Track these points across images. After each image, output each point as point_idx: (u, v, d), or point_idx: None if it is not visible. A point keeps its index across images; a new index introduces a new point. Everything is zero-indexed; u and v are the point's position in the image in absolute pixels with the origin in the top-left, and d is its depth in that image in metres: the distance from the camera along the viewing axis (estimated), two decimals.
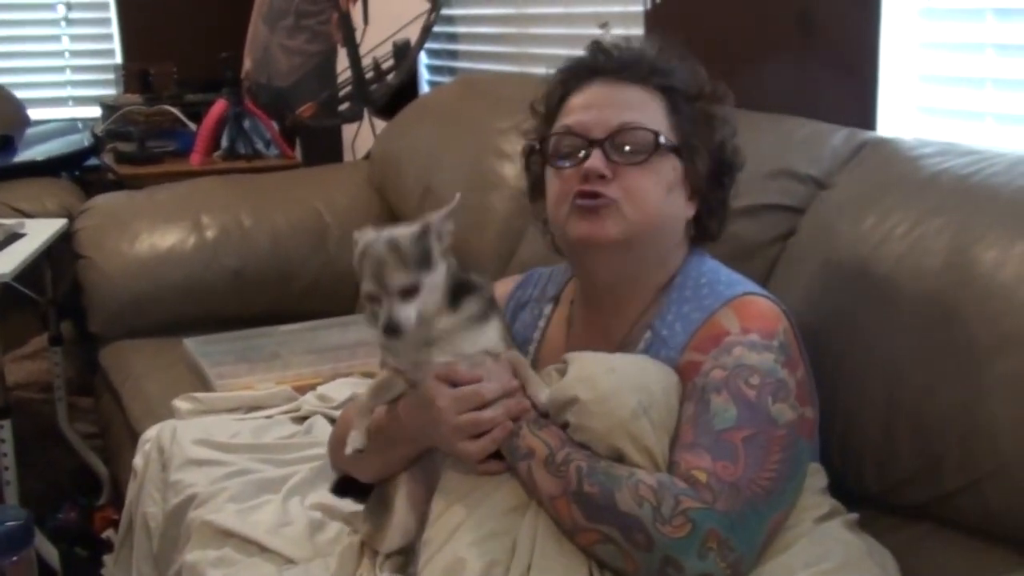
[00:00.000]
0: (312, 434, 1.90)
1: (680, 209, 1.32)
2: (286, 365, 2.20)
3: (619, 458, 1.16)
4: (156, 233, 2.56)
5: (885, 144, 1.58)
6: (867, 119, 1.76)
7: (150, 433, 2.00)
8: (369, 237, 1.27)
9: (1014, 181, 1.30)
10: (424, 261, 1.23)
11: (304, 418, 1.98)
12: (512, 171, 2.26)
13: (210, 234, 2.57)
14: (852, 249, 1.41)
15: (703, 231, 1.37)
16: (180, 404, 2.04)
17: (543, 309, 1.48)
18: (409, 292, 1.21)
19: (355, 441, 1.33)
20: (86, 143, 3.16)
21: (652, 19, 2.19)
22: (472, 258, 2.29)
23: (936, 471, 1.24)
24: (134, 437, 2.14)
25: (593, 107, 1.31)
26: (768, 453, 1.14)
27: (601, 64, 1.35)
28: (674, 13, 2.12)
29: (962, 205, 1.32)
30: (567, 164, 1.30)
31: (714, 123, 1.34)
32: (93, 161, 3.26)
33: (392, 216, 2.69)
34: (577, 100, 1.33)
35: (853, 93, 1.78)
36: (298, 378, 2.14)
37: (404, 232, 1.25)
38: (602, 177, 1.26)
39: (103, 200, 2.71)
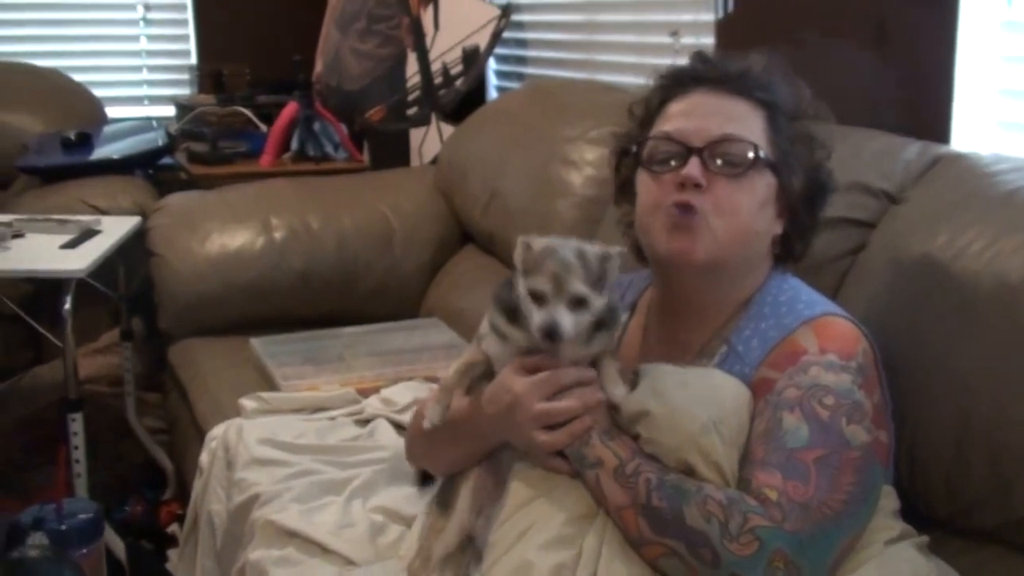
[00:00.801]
0: (375, 437, 1.91)
1: (769, 225, 1.31)
2: (350, 367, 2.22)
3: (689, 472, 1.15)
4: (226, 233, 2.60)
5: (960, 159, 1.54)
6: (942, 132, 1.73)
7: (216, 431, 2.03)
8: (553, 241, 1.27)
9: None
10: (600, 283, 1.24)
11: (367, 421, 2.00)
12: (578, 179, 2.27)
13: (278, 235, 2.61)
14: (925, 265, 1.38)
15: (788, 250, 1.35)
16: (246, 403, 2.07)
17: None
18: (580, 303, 1.22)
19: (434, 415, 1.35)
20: (160, 142, 3.22)
21: (724, 29, 2.17)
22: None
23: (1007, 494, 1.21)
24: (201, 434, 2.17)
25: (694, 115, 1.30)
26: (841, 475, 1.13)
27: (704, 73, 1.34)
28: (746, 23, 2.10)
29: None
30: (663, 169, 1.29)
31: (813, 144, 1.33)
32: (167, 160, 3.32)
33: (458, 221, 2.71)
34: (677, 107, 1.33)
35: (928, 106, 1.75)
36: (362, 380, 2.15)
37: (592, 249, 1.26)
38: (697, 186, 1.25)
39: (176, 199, 2.75)
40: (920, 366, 1.34)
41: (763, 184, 1.28)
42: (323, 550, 1.58)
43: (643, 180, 1.33)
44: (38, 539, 1.44)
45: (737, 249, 1.28)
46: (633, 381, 1.26)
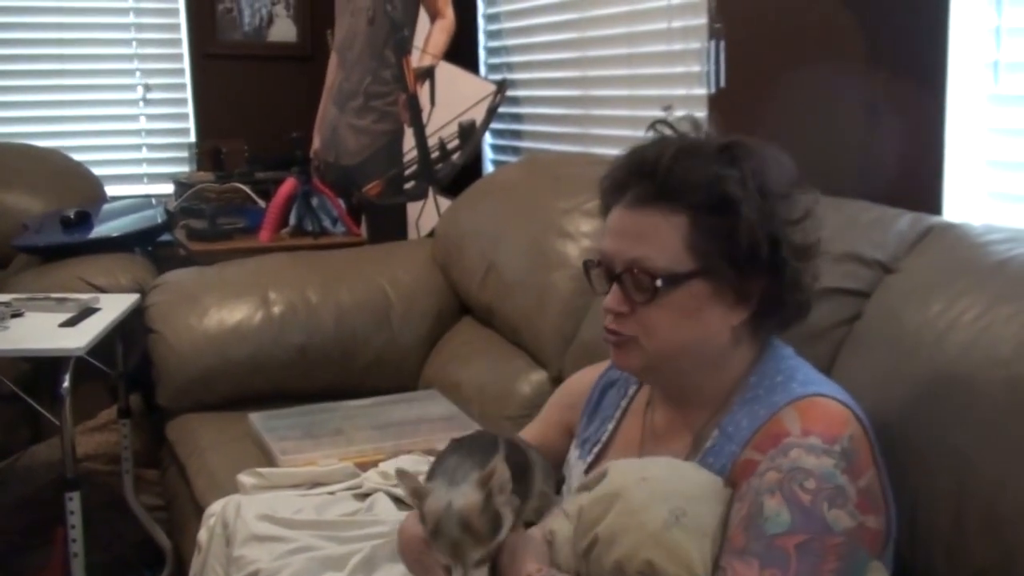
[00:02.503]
0: (374, 511, 1.90)
1: (713, 326, 1.28)
2: (349, 441, 2.21)
3: (652, 571, 1.14)
4: (224, 308, 2.62)
5: (952, 229, 1.56)
6: (934, 204, 1.75)
7: (214, 507, 2.02)
8: (437, 510, 1.28)
9: None
10: (495, 527, 1.27)
11: (366, 495, 1.99)
12: (574, 250, 2.29)
13: (277, 310, 2.62)
14: (919, 335, 1.39)
15: (781, 321, 1.34)
16: (244, 479, 2.06)
17: (628, 389, 1.50)
18: (484, 561, 1.26)
19: None
20: (159, 219, 3.25)
21: (716, 103, 2.21)
22: (534, 336, 2.32)
23: (1009, 565, 1.21)
24: (199, 511, 2.16)
25: (615, 234, 1.30)
26: (823, 561, 1.11)
27: (633, 183, 1.30)
28: (738, 97, 2.14)
29: None
30: (599, 291, 1.33)
31: (738, 227, 1.25)
32: (166, 237, 3.35)
33: (455, 294, 2.72)
34: (609, 221, 1.33)
35: (919, 178, 1.78)
36: (361, 454, 2.15)
37: (471, 504, 1.27)
38: (621, 313, 1.28)
39: (174, 276, 2.77)
40: (918, 438, 1.34)
41: (686, 296, 1.26)
42: None
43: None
44: None
45: (677, 359, 1.30)
46: (591, 487, 1.26)
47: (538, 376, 2.30)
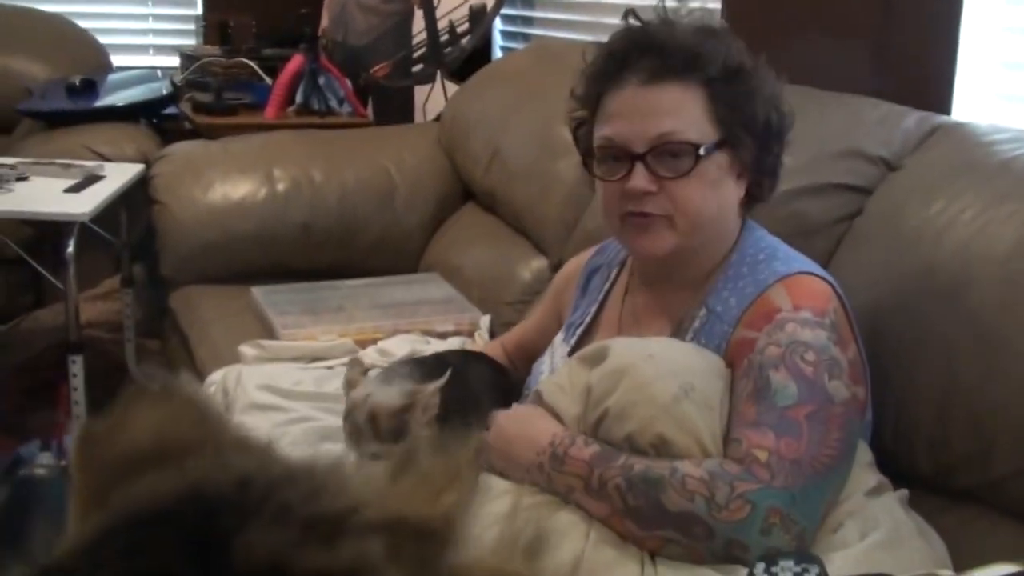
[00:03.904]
0: None
1: (730, 197, 1.32)
2: (350, 318, 2.24)
3: (663, 443, 1.17)
4: (229, 183, 2.62)
5: (958, 128, 1.56)
6: (944, 103, 1.74)
7: (215, 376, 2.06)
8: (357, 398, 1.36)
9: None
10: (400, 433, 1.32)
11: (365, 371, 2.02)
12: None
13: (281, 187, 2.62)
14: (918, 232, 1.41)
15: (754, 197, 1.36)
16: (245, 350, 2.09)
17: (611, 273, 1.51)
18: (375, 456, 1.31)
19: None
20: (165, 92, 3.23)
21: None
22: (537, 223, 2.33)
23: (987, 456, 1.24)
24: (200, 380, 2.20)
25: (630, 116, 1.29)
26: (828, 430, 1.16)
27: (633, 61, 1.30)
28: None
29: None
30: (612, 177, 1.30)
31: (755, 98, 1.30)
32: (171, 110, 3.33)
33: (459, 179, 2.72)
34: (614, 105, 1.31)
35: (931, 76, 1.76)
36: (360, 331, 2.18)
37: (386, 405, 1.34)
38: (648, 193, 1.27)
39: (180, 148, 2.76)
40: (910, 330, 1.36)
41: (713, 167, 1.28)
42: None
43: (597, 181, 1.35)
44: (45, 459, 1.47)
45: (704, 233, 1.31)
46: (587, 359, 1.28)
47: (539, 263, 2.31)
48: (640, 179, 1.27)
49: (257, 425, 1.81)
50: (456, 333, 2.22)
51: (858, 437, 1.24)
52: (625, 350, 1.24)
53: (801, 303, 1.22)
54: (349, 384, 1.48)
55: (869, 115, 1.69)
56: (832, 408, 1.17)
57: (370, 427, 1.30)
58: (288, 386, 1.93)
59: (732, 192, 1.32)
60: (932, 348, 1.32)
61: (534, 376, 1.54)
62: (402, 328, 2.20)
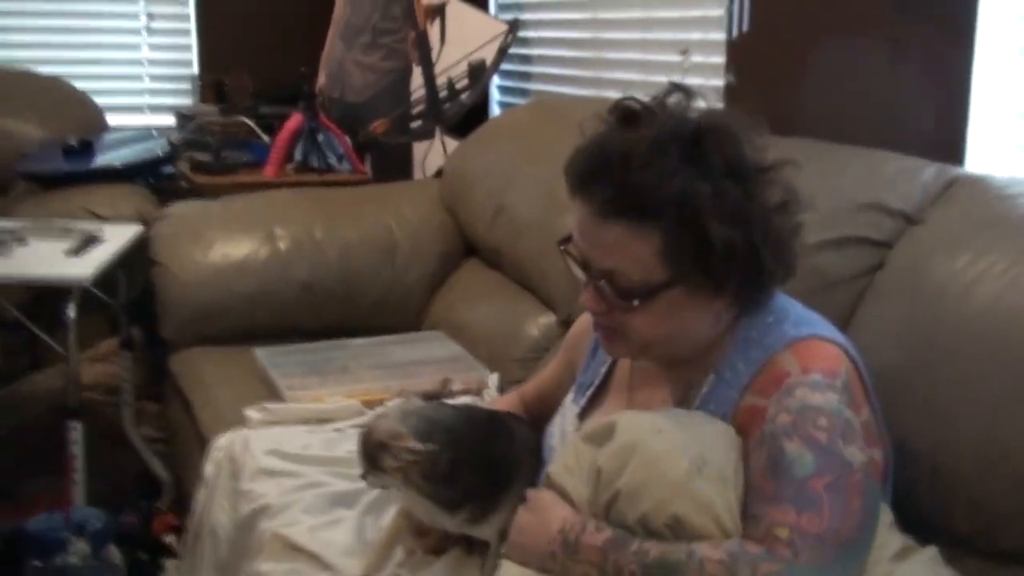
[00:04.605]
0: None
1: (694, 320, 1.25)
2: (356, 379, 2.21)
3: (679, 524, 1.13)
4: (230, 243, 2.59)
5: (977, 181, 1.55)
6: (956, 155, 1.74)
7: (221, 441, 2.02)
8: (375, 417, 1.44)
9: None
10: (376, 464, 1.41)
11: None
12: None
13: (283, 246, 2.60)
14: (944, 287, 1.39)
15: (745, 302, 1.26)
16: (251, 414, 2.05)
17: None
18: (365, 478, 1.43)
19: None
20: (162, 151, 3.21)
21: (736, 48, 2.17)
22: (544, 279, 2.31)
23: None
24: (203, 444, 2.15)
25: (583, 238, 1.26)
26: (849, 500, 1.12)
27: (588, 185, 1.24)
28: (760, 42, 2.10)
29: None
30: (578, 277, 1.29)
31: (739, 223, 1.19)
32: (169, 169, 3.31)
33: (461, 235, 2.70)
34: (576, 217, 1.27)
35: (944, 126, 1.76)
36: (367, 392, 2.14)
37: (371, 433, 1.42)
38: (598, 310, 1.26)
39: (179, 208, 2.74)
40: (943, 386, 1.34)
41: (664, 303, 1.22)
42: (331, 568, 1.57)
43: None
44: (80, 547, 1.44)
45: (665, 348, 1.28)
46: (592, 438, 1.24)
47: (546, 319, 2.29)
48: (589, 299, 1.26)
49: (267, 492, 1.78)
50: (465, 392, 2.19)
51: (880, 500, 1.21)
52: (632, 425, 1.20)
53: (810, 366, 1.19)
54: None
55: (886, 168, 1.68)
56: (851, 475, 1.13)
57: (359, 446, 1.35)
58: (297, 450, 1.89)
59: (699, 313, 1.25)
60: (969, 403, 1.29)
61: (546, 438, 1.51)
62: (408, 388, 2.16)
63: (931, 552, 1.25)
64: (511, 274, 2.46)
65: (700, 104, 1.25)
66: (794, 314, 1.28)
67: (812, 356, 1.20)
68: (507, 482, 1.43)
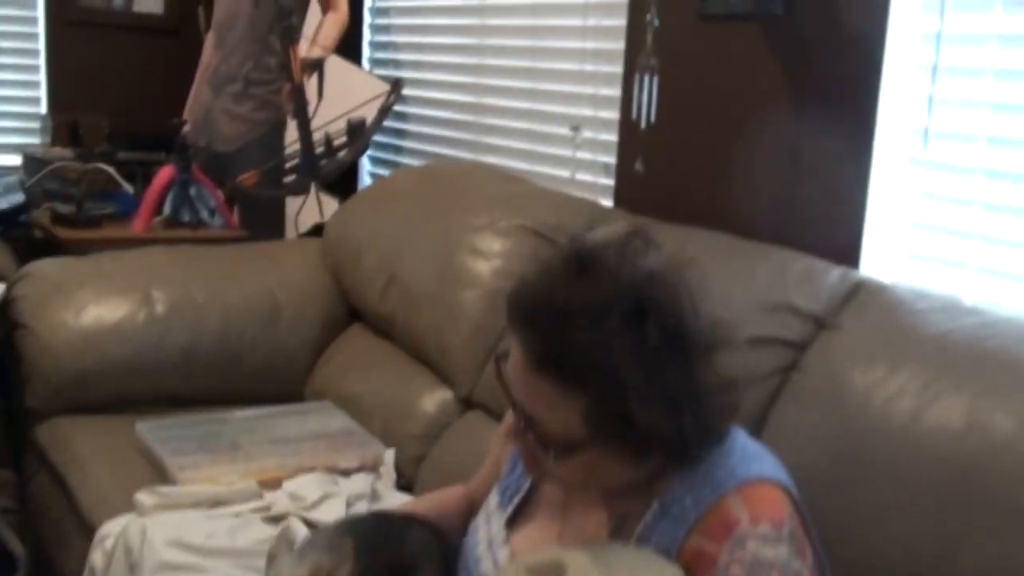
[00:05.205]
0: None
1: (615, 473, 1.25)
2: (248, 457, 2.14)
3: None
4: (103, 305, 2.47)
5: (883, 291, 1.64)
6: (852, 256, 1.84)
7: (110, 528, 1.92)
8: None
9: None
10: None
11: (276, 519, 1.93)
12: (486, 269, 2.28)
13: (161, 309, 2.50)
14: (864, 398, 1.46)
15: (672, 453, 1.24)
16: (143, 498, 1.96)
17: None
18: None
19: None
20: (16, 199, 3.03)
21: (629, 131, 2.24)
22: (442, 354, 2.30)
23: None
24: (83, 526, 2.05)
25: (514, 371, 1.23)
26: None
27: (519, 332, 1.22)
28: (665, 134, 2.16)
29: (978, 370, 1.38)
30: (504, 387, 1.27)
31: (671, 397, 1.19)
32: (22, 217, 3.12)
33: (344, 299, 2.66)
34: (512, 352, 1.24)
35: (839, 229, 1.87)
36: (262, 470, 2.09)
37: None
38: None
39: (45, 266, 2.59)
40: (861, 502, 1.40)
41: (582, 459, 1.22)
42: None
43: None
44: None
45: (586, 492, 1.30)
46: (535, 569, 1.23)
47: (443, 394, 2.28)
48: (513, 431, 1.26)
49: None
50: (360, 468, 2.16)
51: None
52: (583, 572, 1.18)
53: (760, 515, 1.19)
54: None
55: (793, 268, 1.76)
56: None
57: None
58: (200, 541, 1.82)
59: (618, 470, 1.24)
60: (889, 521, 1.35)
61: (471, 541, 1.46)
62: (306, 465, 2.12)
63: None
64: (403, 344, 2.44)
65: (657, 257, 1.24)
66: (739, 445, 1.27)
67: (761, 503, 1.21)
68: None
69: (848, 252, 1.84)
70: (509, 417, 1.62)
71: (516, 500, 1.42)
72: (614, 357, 1.16)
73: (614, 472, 1.24)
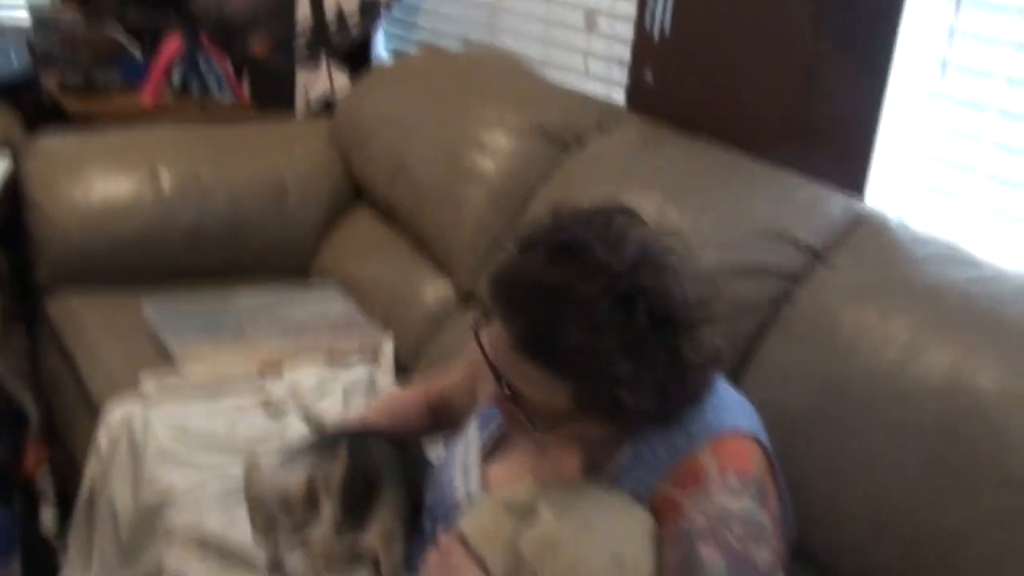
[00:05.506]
0: (287, 435, 1.90)
1: (601, 434, 1.27)
2: (251, 343, 2.19)
3: None
4: (111, 183, 2.48)
5: (883, 232, 1.62)
6: (859, 184, 1.82)
7: (116, 413, 1.98)
8: (259, 482, 1.36)
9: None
10: (312, 505, 1.34)
11: (275, 411, 1.99)
12: (492, 168, 2.26)
13: (167, 188, 2.50)
14: (853, 341, 1.46)
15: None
16: (148, 385, 2.02)
17: None
18: (299, 539, 1.34)
19: None
20: (19, 62, 2.98)
21: (656, 47, 2.18)
22: (445, 248, 2.31)
23: None
24: (90, 405, 2.11)
25: (496, 350, 1.23)
26: None
27: (501, 313, 1.21)
28: (679, 45, 2.11)
29: (968, 326, 1.39)
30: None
31: (659, 382, 1.20)
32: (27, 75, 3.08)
33: (351, 178, 2.66)
34: (495, 326, 1.23)
35: (848, 154, 1.84)
36: (264, 358, 2.13)
37: (293, 487, 1.35)
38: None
39: (53, 142, 2.58)
40: (842, 441, 1.43)
41: (561, 431, 1.24)
42: (246, 563, 1.59)
43: None
44: None
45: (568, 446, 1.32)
46: (513, 506, 1.27)
47: (444, 288, 2.29)
48: (496, 397, 1.26)
49: (171, 481, 1.77)
50: (360, 357, 2.20)
51: None
52: (556, 517, 1.22)
53: (728, 467, 1.22)
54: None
55: (795, 196, 1.75)
56: None
57: (285, 510, 1.30)
58: (199, 432, 1.87)
59: (601, 432, 1.27)
60: (864, 466, 1.38)
61: (447, 464, 1.49)
62: (306, 349, 2.16)
63: None
64: (408, 233, 2.45)
65: (642, 235, 1.23)
66: (715, 395, 1.28)
67: (730, 455, 1.23)
68: (377, 487, 1.44)
69: (855, 179, 1.83)
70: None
71: (494, 429, 1.45)
72: (602, 348, 1.16)
73: (596, 433, 1.27)
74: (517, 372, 1.21)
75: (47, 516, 2.41)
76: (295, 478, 1.39)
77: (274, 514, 1.31)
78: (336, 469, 1.38)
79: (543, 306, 1.17)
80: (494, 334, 1.23)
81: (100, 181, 2.48)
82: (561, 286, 1.17)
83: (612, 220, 1.24)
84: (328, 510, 1.34)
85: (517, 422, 1.27)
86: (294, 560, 1.30)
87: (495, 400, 1.26)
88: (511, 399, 1.23)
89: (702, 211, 1.78)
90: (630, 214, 1.27)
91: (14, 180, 2.52)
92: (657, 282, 1.19)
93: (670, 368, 1.19)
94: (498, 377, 1.23)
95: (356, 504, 1.40)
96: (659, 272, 1.20)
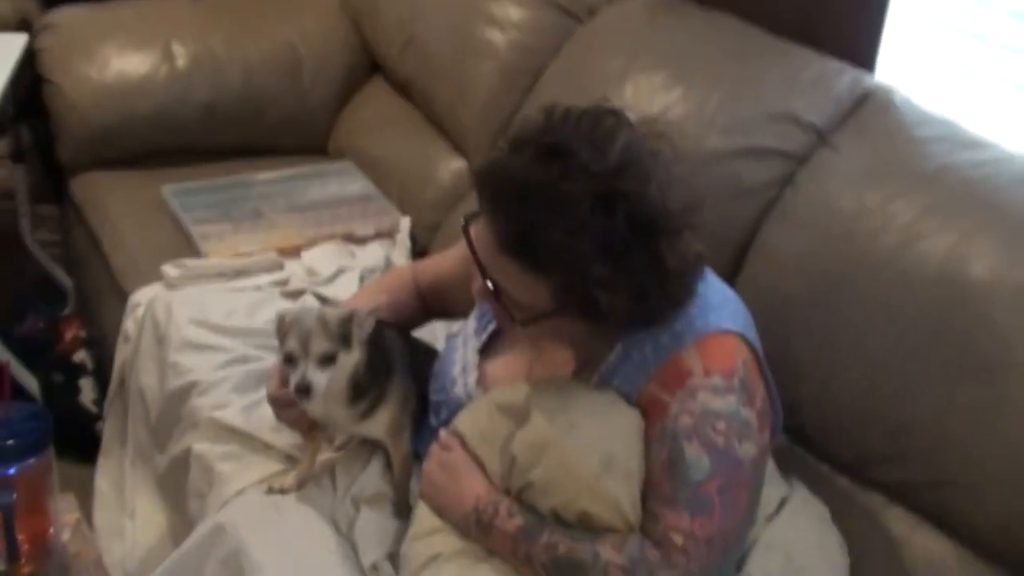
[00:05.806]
0: None
1: (584, 331, 1.29)
2: (270, 225, 2.22)
3: (587, 517, 1.23)
4: (125, 60, 2.48)
5: (887, 110, 1.60)
6: (869, 57, 1.78)
7: (140, 298, 2.04)
8: (297, 311, 1.42)
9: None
10: (344, 340, 1.38)
11: (294, 294, 2.03)
12: (503, 41, 2.23)
13: (182, 64, 2.50)
14: (852, 224, 1.47)
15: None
16: (169, 271, 2.06)
17: None
18: (326, 360, 1.37)
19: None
20: None
21: None
22: (456, 124, 2.30)
23: (903, 462, 1.37)
24: (118, 291, 2.17)
25: (480, 245, 1.26)
26: (738, 497, 1.23)
27: (485, 210, 1.25)
28: None
29: (966, 212, 1.38)
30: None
31: (638, 283, 1.21)
32: None
33: (366, 48, 2.63)
34: (479, 225, 1.27)
35: (861, 26, 1.79)
36: (283, 240, 2.17)
37: (332, 312, 1.41)
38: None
39: (66, 16, 2.57)
40: (837, 324, 1.45)
41: (550, 325, 1.27)
42: (265, 446, 1.67)
43: None
44: None
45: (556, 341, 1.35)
46: (505, 407, 1.31)
47: (458, 164, 2.30)
48: (481, 291, 1.29)
49: (194, 367, 1.83)
50: (376, 236, 2.23)
51: (763, 479, 1.32)
52: (547, 420, 1.26)
53: (712, 367, 1.24)
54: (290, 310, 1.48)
55: (805, 73, 1.71)
56: (742, 474, 1.24)
57: (320, 326, 1.36)
58: (220, 319, 1.92)
59: (584, 329, 1.29)
60: (859, 350, 1.41)
61: (448, 360, 1.53)
62: (324, 234, 2.20)
63: (819, 513, 1.41)
64: (422, 107, 2.44)
65: (629, 138, 1.22)
66: (703, 293, 1.29)
67: (714, 355, 1.25)
68: (389, 375, 1.49)
69: (866, 51, 1.78)
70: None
71: (490, 328, 1.49)
72: (581, 250, 1.18)
73: (580, 330, 1.30)
74: (499, 269, 1.24)
75: (86, 387, 2.51)
76: (333, 310, 1.45)
77: (310, 333, 1.36)
78: (368, 324, 1.42)
79: (525, 205, 1.19)
80: (480, 229, 1.26)
81: (114, 58, 2.48)
82: (544, 186, 1.19)
83: (601, 122, 1.24)
84: (357, 353, 1.40)
85: (503, 317, 1.31)
86: (320, 381, 1.35)
87: (480, 294, 1.29)
88: (494, 294, 1.26)
89: (709, 90, 1.76)
90: (619, 116, 1.26)
91: (31, 56, 2.52)
92: (639, 186, 1.19)
93: (649, 271, 1.20)
94: (483, 272, 1.27)
95: (370, 383, 1.45)
96: (642, 176, 1.20)
